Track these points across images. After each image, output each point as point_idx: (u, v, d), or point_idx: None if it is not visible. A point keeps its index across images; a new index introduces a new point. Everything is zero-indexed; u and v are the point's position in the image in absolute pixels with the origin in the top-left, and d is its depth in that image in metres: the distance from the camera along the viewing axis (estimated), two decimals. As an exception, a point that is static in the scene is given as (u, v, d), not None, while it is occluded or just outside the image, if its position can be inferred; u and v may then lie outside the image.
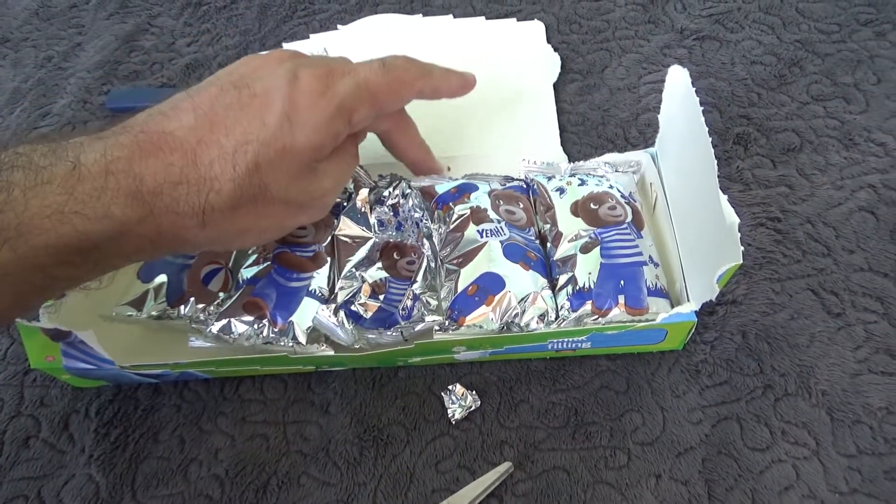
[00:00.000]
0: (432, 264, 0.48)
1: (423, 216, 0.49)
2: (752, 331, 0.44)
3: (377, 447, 0.42)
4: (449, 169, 0.54)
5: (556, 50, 0.62)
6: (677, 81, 0.44)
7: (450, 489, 0.40)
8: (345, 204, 0.50)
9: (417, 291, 0.46)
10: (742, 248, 0.34)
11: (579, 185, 0.48)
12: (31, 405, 0.46)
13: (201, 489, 0.42)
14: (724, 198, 0.37)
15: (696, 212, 0.41)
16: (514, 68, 0.61)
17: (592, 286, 0.42)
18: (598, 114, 0.58)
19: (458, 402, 0.43)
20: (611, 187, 0.48)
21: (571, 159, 0.55)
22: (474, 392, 0.43)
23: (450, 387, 0.44)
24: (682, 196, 0.44)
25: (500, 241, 0.45)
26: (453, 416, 0.43)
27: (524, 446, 0.41)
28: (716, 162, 0.38)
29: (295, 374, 0.46)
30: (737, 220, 0.36)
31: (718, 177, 0.37)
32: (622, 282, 0.42)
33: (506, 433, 0.42)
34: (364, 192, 0.49)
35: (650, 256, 0.44)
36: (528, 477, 0.40)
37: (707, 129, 0.39)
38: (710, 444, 0.40)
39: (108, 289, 0.48)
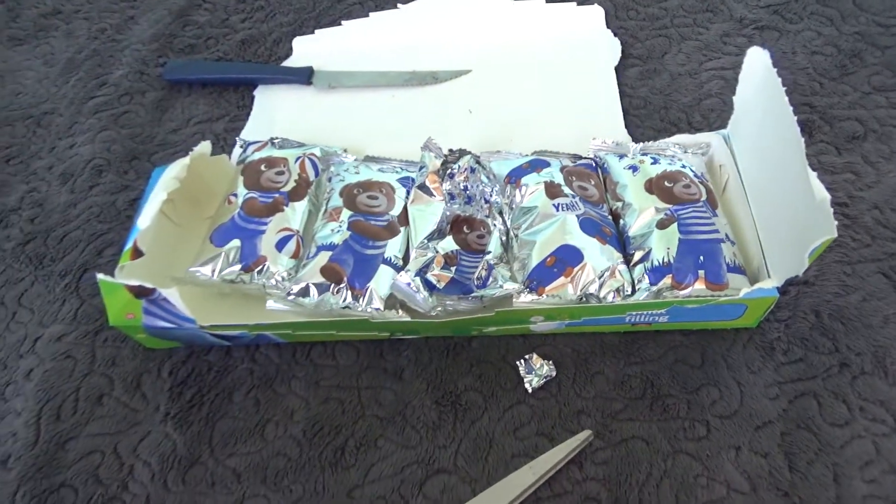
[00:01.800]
0: (503, 238, 0.48)
1: (492, 191, 0.50)
2: (825, 311, 0.45)
3: (455, 412, 0.42)
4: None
5: (614, 35, 0.63)
6: (757, 63, 0.44)
7: (529, 455, 0.40)
8: (413, 179, 0.50)
9: (491, 262, 0.46)
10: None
11: (652, 163, 0.48)
12: (103, 364, 0.46)
13: (279, 448, 0.42)
14: (813, 174, 0.37)
15: (779, 190, 0.42)
16: (576, 51, 0.61)
17: (672, 261, 0.43)
18: (661, 98, 0.58)
19: (535, 371, 0.43)
20: (683, 167, 0.48)
21: (636, 141, 0.55)
22: (550, 362, 0.44)
23: (526, 356, 0.44)
24: (761, 176, 0.45)
25: (577, 216, 0.46)
26: (530, 384, 0.43)
27: (601, 416, 0.42)
28: (802, 141, 0.38)
29: (367, 342, 0.46)
30: (828, 195, 0.36)
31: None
32: (701, 257, 0.43)
33: (582, 403, 0.42)
34: (434, 164, 0.50)
35: (726, 234, 0.44)
36: (608, 445, 0.41)
37: (791, 108, 0.40)
38: (788, 418, 0.41)
39: (179, 252, 0.49)
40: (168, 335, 0.45)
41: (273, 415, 0.43)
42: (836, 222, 0.35)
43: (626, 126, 0.56)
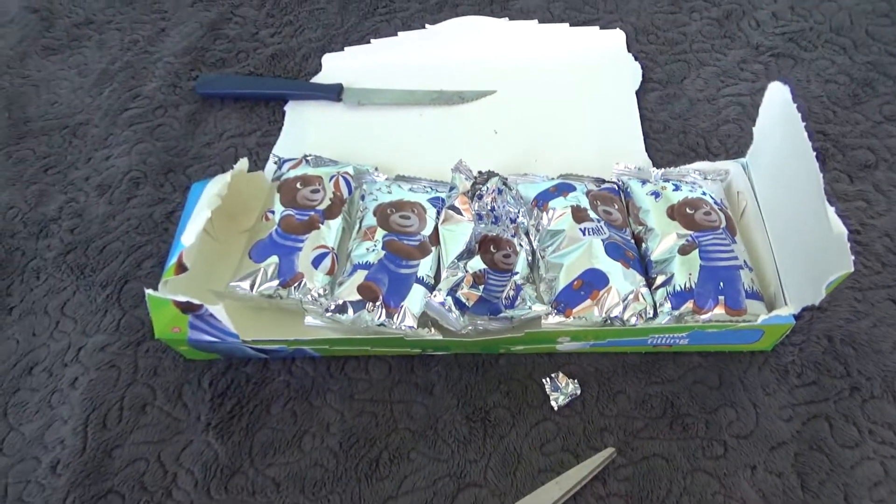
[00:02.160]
0: (530, 259, 0.50)
1: (518, 212, 0.52)
2: (837, 336, 0.47)
3: (485, 428, 0.45)
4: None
5: (636, 59, 0.65)
6: (777, 97, 0.46)
7: (555, 470, 0.43)
8: (443, 199, 0.53)
9: (519, 282, 0.48)
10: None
11: (674, 189, 0.51)
12: (145, 374, 0.48)
13: (317, 459, 0.44)
14: (831, 209, 0.39)
15: (797, 221, 0.44)
16: (599, 75, 0.64)
17: (693, 286, 0.45)
18: (679, 123, 0.60)
19: (561, 389, 0.45)
20: (703, 194, 0.50)
21: (655, 164, 0.57)
22: (576, 381, 0.46)
23: (552, 375, 0.46)
24: (779, 205, 0.47)
25: (602, 240, 0.48)
26: (556, 402, 0.45)
27: (624, 434, 0.44)
28: (821, 175, 0.40)
29: (398, 357, 0.48)
30: (845, 230, 0.38)
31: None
32: (721, 283, 0.45)
33: (605, 421, 0.45)
34: (465, 185, 0.52)
35: (745, 261, 0.47)
36: (630, 462, 0.43)
37: (810, 143, 0.42)
38: (801, 439, 0.43)
39: (218, 265, 0.51)
40: (210, 348, 0.47)
41: (310, 426, 0.46)
42: (853, 257, 0.37)
43: (647, 150, 0.58)
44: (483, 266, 0.49)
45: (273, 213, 0.52)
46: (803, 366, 0.46)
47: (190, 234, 0.47)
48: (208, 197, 0.49)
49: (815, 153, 0.41)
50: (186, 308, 0.44)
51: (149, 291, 0.43)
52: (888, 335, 0.47)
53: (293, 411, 0.46)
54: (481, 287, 0.48)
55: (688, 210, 0.49)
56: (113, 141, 0.64)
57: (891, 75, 0.61)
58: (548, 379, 0.46)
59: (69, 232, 0.57)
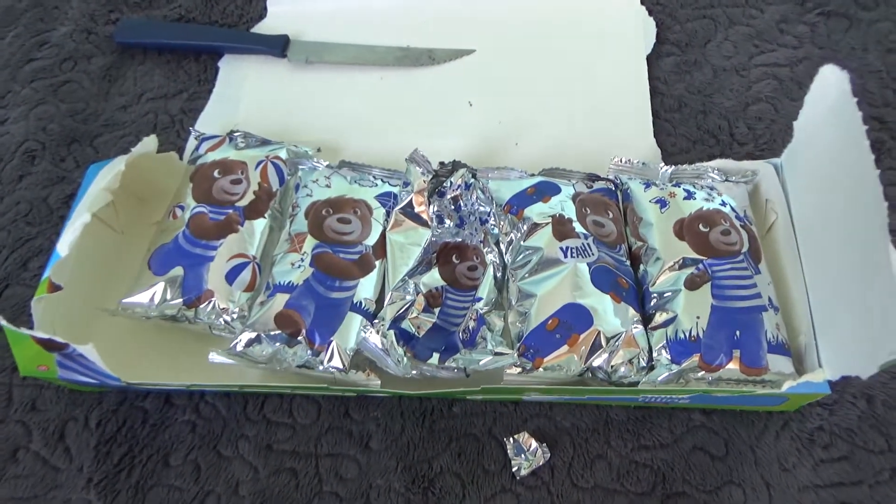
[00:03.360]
0: (499, 275, 0.40)
1: (489, 212, 0.41)
2: (879, 396, 0.37)
3: (427, 501, 0.36)
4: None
5: (650, 13, 0.52)
6: (831, 86, 0.35)
7: (511, 561, 0.34)
8: (398, 195, 0.42)
9: (482, 310, 0.38)
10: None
11: (685, 197, 0.40)
12: (20, 409, 0.40)
13: (218, 533, 0.36)
14: (895, 254, 0.29)
15: (845, 255, 0.33)
16: (602, 33, 0.51)
17: (701, 334, 0.35)
18: (699, 99, 0.48)
19: (526, 454, 0.36)
20: (723, 204, 0.40)
21: (664, 153, 0.46)
22: (545, 445, 0.37)
23: (515, 436, 0.37)
24: (821, 228, 0.36)
25: (588, 264, 0.37)
26: (519, 470, 0.36)
27: (600, 515, 0.35)
28: (886, 205, 0.29)
29: (330, 397, 0.39)
30: (916, 285, 0.28)
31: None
32: (738, 332, 0.35)
33: (579, 495, 0.36)
34: (421, 181, 0.41)
35: (770, 298, 0.36)
36: (605, 555, 0.34)
37: (874, 157, 0.31)
38: (824, 534, 0.34)
39: (112, 277, 0.41)
40: (91, 385, 0.38)
41: (215, 485, 0.37)
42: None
43: (656, 133, 0.47)
44: (441, 282, 0.39)
45: (182, 208, 0.42)
46: (833, 434, 0.36)
47: (64, 244, 0.37)
48: (93, 194, 0.39)
49: (878, 171, 0.30)
50: (50, 346, 0.34)
51: (4, 324, 0.34)
52: (945, 398, 0.37)
53: (196, 464, 0.38)
54: (436, 311, 0.39)
55: (701, 227, 0.38)
56: (11, 100, 0.53)
57: (969, 44, 0.49)
58: (511, 440, 0.37)
59: (-52, 217, 0.47)
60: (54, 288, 0.37)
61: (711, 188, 0.40)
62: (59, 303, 0.38)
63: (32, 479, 0.38)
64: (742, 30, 0.51)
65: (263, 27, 0.55)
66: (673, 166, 0.42)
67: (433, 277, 0.40)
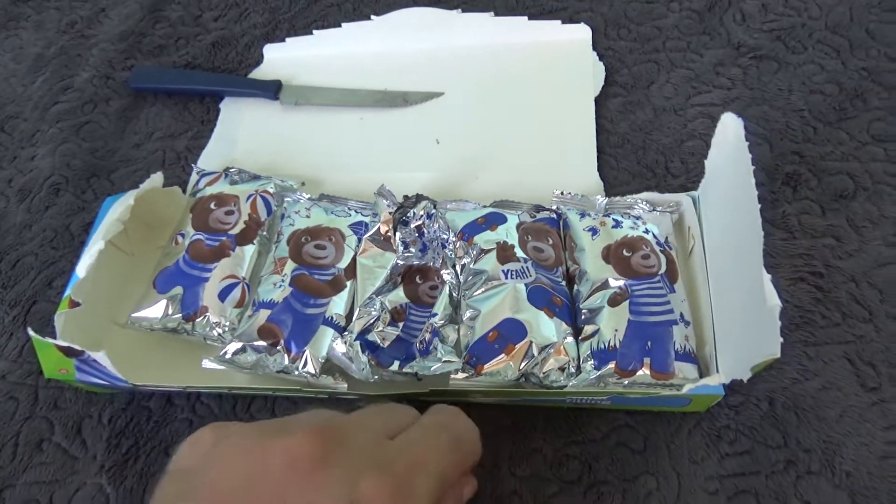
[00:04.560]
0: (454, 294, 0.46)
1: (448, 239, 0.47)
2: (779, 398, 0.43)
3: (385, 488, 0.42)
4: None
5: (601, 57, 0.58)
6: (729, 131, 0.41)
7: (455, 538, 0.40)
8: (367, 224, 0.49)
9: (437, 324, 0.44)
10: (779, 326, 0.32)
11: (613, 226, 0.46)
12: (45, 407, 0.46)
13: (208, 513, 0.42)
14: (767, 277, 0.34)
15: (736, 278, 0.39)
16: (556, 76, 0.58)
17: (618, 345, 0.41)
18: (640, 136, 0.54)
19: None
20: (646, 232, 0.45)
21: (607, 185, 0.52)
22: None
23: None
24: (722, 254, 0.42)
25: (525, 284, 0.43)
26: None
27: (534, 500, 0.41)
28: (762, 235, 0.35)
29: (306, 398, 0.46)
30: (779, 304, 0.33)
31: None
32: (649, 343, 0.41)
33: (516, 483, 0.42)
34: (387, 213, 0.47)
35: (681, 314, 0.42)
36: (535, 533, 0.40)
37: (757, 193, 0.37)
38: (723, 517, 0.39)
39: (123, 294, 0.48)
40: (105, 388, 0.44)
41: (206, 474, 0.43)
42: (781, 339, 0.32)
43: (600, 167, 0.53)
44: (405, 300, 0.46)
45: (183, 236, 0.48)
46: (738, 431, 0.42)
47: (82, 267, 0.44)
48: (107, 224, 0.46)
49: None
50: (69, 353, 0.41)
51: (32, 334, 0.41)
52: (836, 401, 0.42)
53: (191, 455, 0.44)
54: (401, 325, 0.45)
55: (624, 252, 0.44)
56: (40, 139, 0.60)
57: (886, 85, 0.54)
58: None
59: (-15, 242, 0.55)
60: (74, 304, 0.44)
61: (638, 217, 0.46)
62: (78, 316, 0.44)
63: (54, 466, 0.44)
64: (682, 72, 0.57)
65: (260, 72, 0.62)
66: (608, 198, 0.48)
67: (398, 295, 0.46)
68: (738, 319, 0.39)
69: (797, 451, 0.41)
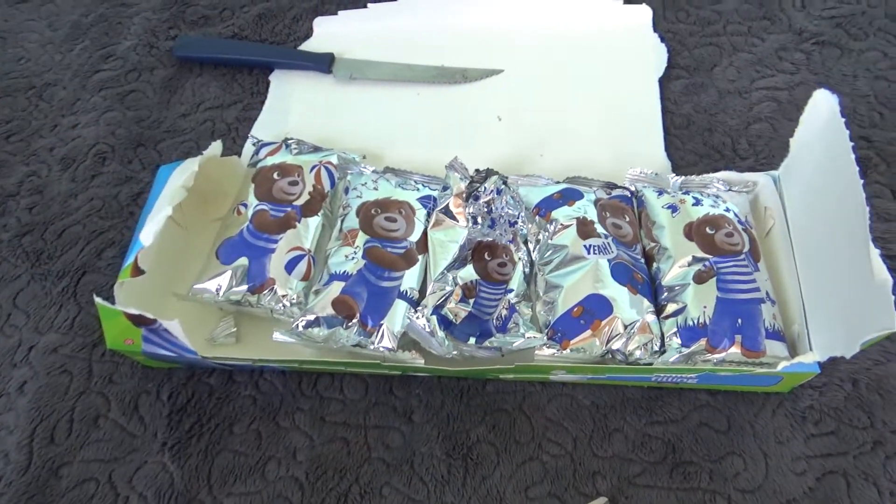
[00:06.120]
0: (527, 270, 0.45)
1: (518, 215, 0.46)
2: (863, 380, 0.42)
3: (466, 466, 0.40)
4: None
5: (662, 41, 0.58)
6: (823, 108, 0.40)
7: (540, 518, 0.39)
8: (437, 198, 0.47)
9: (513, 300, 0.43)
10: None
11: (693, 204, 0.45)
12: (100, 382, 0.44)
13: (280, 490, 0.40)
14: (875, 252, 0.34)
15: (833, 256, 0.39)
16: (619, 56, 0.57)
17: (708, 322, 0.40)
18: (705, 118, 0.54)
19: None
20: (727, 210, 0.45)
21: (674, 166, 0.51)
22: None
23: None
24: (812, 232, 0.41)
25: (608, 260, 0.42)
26: None
27: (618, 479, 0.40)
28: (868, 210, 0.35)
29: (376, 376, 0.44)
30: (889, 278, 0.33)
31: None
32: (740, 320, 0.40)
33: (599, 463, 0.40)
34: (459, 187, 0.46)
35: (767, 293, 0.41)
36: (623, 514, 0.39)
37: (858, 169, 0.36)
38: (814, 498, 0.39)
39: (186, 257, 0.46)
40: (168, 360, 0.43)
41: (275, 452, 0.42)
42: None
43: (666, 147, 0.52)
44: (475, 276, 0.44)
45: (246, 206, 0.47)
46: (822, 412, 0.41)
47: (148, 234, 0.42)
48: (172, 190, 0.44)
49: (862, 182, 0.35)
50: (139, 321, 0.39)
51: (98, 300, 0.39)
52: (921, 383, 0.42)
53: (258, 432, 0.42)
54: (471, 301, 0.43)
55: (708, 230, 0.43)
56: (80, 107, 0.58)
57: (949, 73, 0.54)
58: None
59: (27, 211, 0.52)
60: (137, 272, 0.42)
61: (717, 196, 0.46)
62: (139, 287, 0.42)
63: (112, 444, 0.42)
64: (744, 56, 0.57)
65: (309, 45, 0.61)
66: (682, 177, 0.47)
67: (468, 272, 0.44)
68: (835, 297, 0.38)
69: (884, 432, 0.40)
